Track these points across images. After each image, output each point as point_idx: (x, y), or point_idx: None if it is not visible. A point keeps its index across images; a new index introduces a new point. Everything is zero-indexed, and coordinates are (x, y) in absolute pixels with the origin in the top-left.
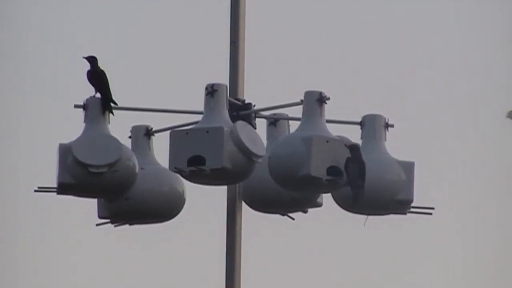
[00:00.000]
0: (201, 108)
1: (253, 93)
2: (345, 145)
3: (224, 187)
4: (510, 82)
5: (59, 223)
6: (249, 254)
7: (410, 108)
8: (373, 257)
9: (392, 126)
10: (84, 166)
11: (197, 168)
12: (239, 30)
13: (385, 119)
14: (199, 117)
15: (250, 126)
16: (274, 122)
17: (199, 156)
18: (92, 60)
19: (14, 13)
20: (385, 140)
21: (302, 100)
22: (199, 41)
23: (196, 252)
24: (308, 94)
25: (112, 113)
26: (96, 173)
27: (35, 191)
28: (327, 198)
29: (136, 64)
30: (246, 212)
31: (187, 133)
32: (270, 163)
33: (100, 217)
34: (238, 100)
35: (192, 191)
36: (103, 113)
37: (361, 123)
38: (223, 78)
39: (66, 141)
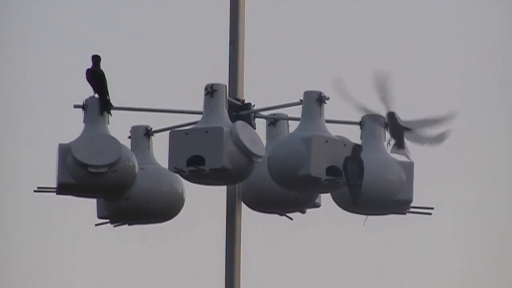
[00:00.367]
0: (200, 108)
1: (252, 93)
2: (345, 144)
3: (224, 187)
4: (510, 82)
5: (58, 223)
6: (249, 254)
7: (410, 108)
8: (373, 257)
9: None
10: (84, 166)
11: (196, 168)
12: (239, 30)
13: (385, 119)
14: (198, 117)
15: (249, 126)
16: (273, 122)
17: (199, 156)
18: (94, 59)
19: (14, 12)
20: (385, 140)
21: (301, 100)
22: (199, 41)
23: (196, 252)
24: (307, 94)
25: (110, 113)
26: (95, 173)
27: (35, 191)
28: (326, 198)
29: (136, 64)
30: (246, 212)
31: (186, 133)
32: (269, 163)
33: (100, 217)
34: (238, 100)
35: (191, 191)
36: (101, 114)
37: (360, 123)
38: (222, 78)
39: (66, 141)
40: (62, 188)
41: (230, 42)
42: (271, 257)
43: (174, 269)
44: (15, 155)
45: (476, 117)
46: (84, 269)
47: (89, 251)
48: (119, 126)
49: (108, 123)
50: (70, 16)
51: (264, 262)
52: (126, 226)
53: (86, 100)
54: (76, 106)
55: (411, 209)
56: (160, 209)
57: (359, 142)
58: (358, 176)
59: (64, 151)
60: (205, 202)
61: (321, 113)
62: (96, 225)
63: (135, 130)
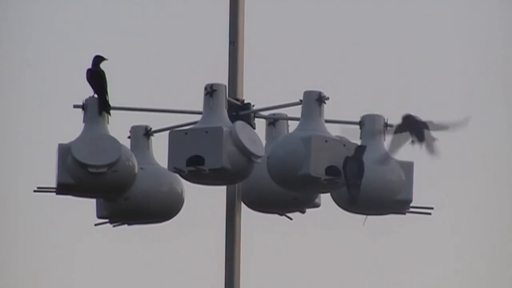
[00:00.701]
0: (200, 108)
1: (252, 93)
2: (344, 144)
3: (224, 187)
4: (510, 82)
5: (58, 223)
6: (248, 254)
7: (410, 108)
8: (373, 257)
9: (391, 126)
10: (84, 166)
11: (196, 168)
12: (239, 30)
13: (384, 119)
14: (198, 117)
15: (249, 126)
16: (273, 122)
17: (198, 156)
18: (95, 59)
19: (14, 12)
20: (385, 140)
21: (301, 100)
22: (198, 41)
23: (195, 252)
24: (307, 94)
25: (109, 113)
26: (95, 173)
27: (35, 191)
28: (326, 198)
29: (136, 64)
30: (245, 212)
31: (186, 133)
32: (269, 163)
33: (99, 217)
34: (237, 100)
35: (191, 191)
36: (99, 114)
37: (360, 123)
38: (222, 78)
39: (65, 141)
40: (62, 188)
41: (230, 42)
42: (271, 257)
43: (174, 269)
44: (15, 155)
45: (476, 117)
46: (84, 269)
47: (88, 251)
48: (119, 126)
49: (108, 123)
50: (70, 16)
51: (264, 262)
52: (125, 226)
53: (86, 100)
54: (76, 106)
55: (411, 209)
56: (160, 209)
57: (359, 142)
58: (358, 176)
59: (64, 151)
60: (205, 202)
61: (321, 113)
62: (96, 225)
63: (135, 130)
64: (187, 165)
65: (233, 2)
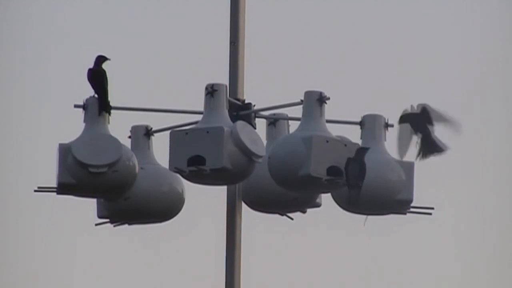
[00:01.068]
0: (201, 108)
1: (253, 93)
2: (345, 145)
3: (224, 187)
4: (510, 82)
5: (59, 223)
6: (249, 253)
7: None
8: (373, 257)
9: (392, 126)
10: (84, 166)
11: (197, 168)
12: (239, 30)
13: (385, 119)
14: (199, 117)
15: (250, 126)
16: (273, 122)
17: (199, 156)
18: (98, 58)
19: (14, 12)
20: (385, 140)
21: (302, 100)
22: (199, 41)
23: (196, 252)
24: (308, 94)
25: (110, 113)
26: (96, 173)
27: (35, 191)
28: (327, 198)
29: (136, 64)
30: (246, 212)
31: (187, 133)
32: (270, 163)
33: (100, 217)
34: (238, 100)
35: (192, 191)
36: (99, 114)
37: (361, 123)
38: (223, 78)
39: (66, 141)
40: (62, 188)
41: (230, 42)
42: (271, 257)
43: (174, 269)
44: (15, 155)
45: (476, 117)
46: (84, 269)
47: (89, 251)
48: (119, 126)
49: (109, 123)
50: (70, 16)
51: (264, 262)
52: (126, 226)
53: (86, 100)
54: (76, 106)
55: (411, 209)
56: (160, 209)
57: (358, 142)
58: (359, 177)
59: (64, 151)
60: (205, 202)
61: (321, 113)
62: (96, 225)
63: (135, 130)
64: (188, 165)
65: (234, 2)
